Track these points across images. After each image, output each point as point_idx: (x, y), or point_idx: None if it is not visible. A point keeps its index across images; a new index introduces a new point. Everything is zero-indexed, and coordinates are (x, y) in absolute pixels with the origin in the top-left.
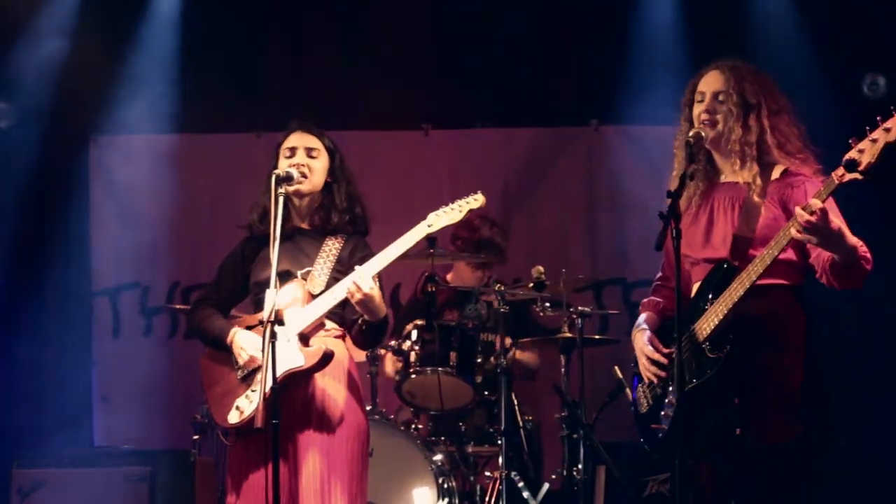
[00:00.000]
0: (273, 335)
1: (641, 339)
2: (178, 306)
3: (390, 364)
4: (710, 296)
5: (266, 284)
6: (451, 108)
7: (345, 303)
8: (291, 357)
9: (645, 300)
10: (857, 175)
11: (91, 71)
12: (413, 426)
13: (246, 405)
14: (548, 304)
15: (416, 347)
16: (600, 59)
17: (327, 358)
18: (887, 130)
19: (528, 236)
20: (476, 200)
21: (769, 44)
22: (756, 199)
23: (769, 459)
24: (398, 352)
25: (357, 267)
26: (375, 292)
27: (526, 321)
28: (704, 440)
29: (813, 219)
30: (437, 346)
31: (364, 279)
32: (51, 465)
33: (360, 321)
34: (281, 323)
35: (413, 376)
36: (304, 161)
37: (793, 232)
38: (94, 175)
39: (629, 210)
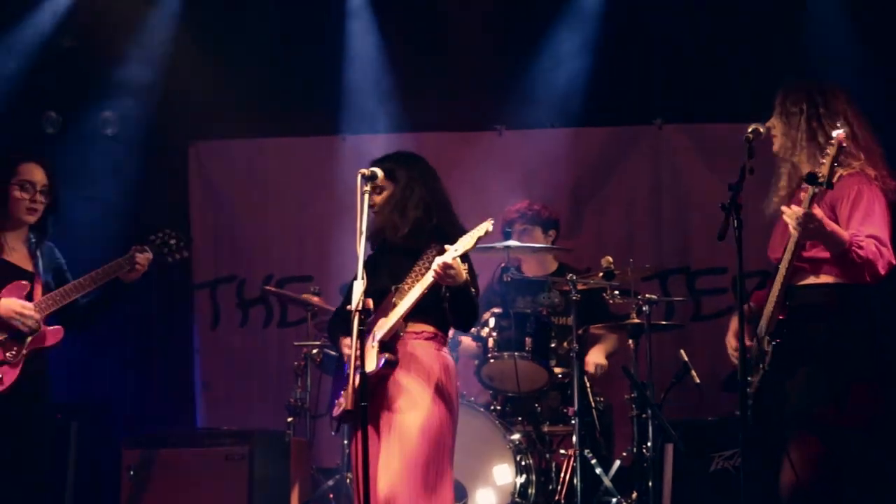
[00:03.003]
0: (361, 323)
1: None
2: (271, 288)
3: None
4: (770, 293)
5: (373, 295)
6: (524, 110)
7: (433, 298)
8: (369, 362)
9: (756, 291)
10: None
11: (189, 80)
12: (492, 408)
13: (343, 398)
14: (617, 292)
15: (494, 334)
16: (663, 59)
17: (388, 364)
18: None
19: (598, 229)
20: (482, 228)
21: (823, 37)
22: (807, 204)
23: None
24: (477, 338)
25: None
26: (458, 263)
27: (597, 308)
28: (780, 420)
29: (800, 220)
30: (513, 332)
31: (445, 257)
32: (158, 446)
33: (445, 292)
34: (368, 313)
35: (491, 361)
36: (372, 202)
37: (791, 231)
38: (194, 178)
39: (692, 203)
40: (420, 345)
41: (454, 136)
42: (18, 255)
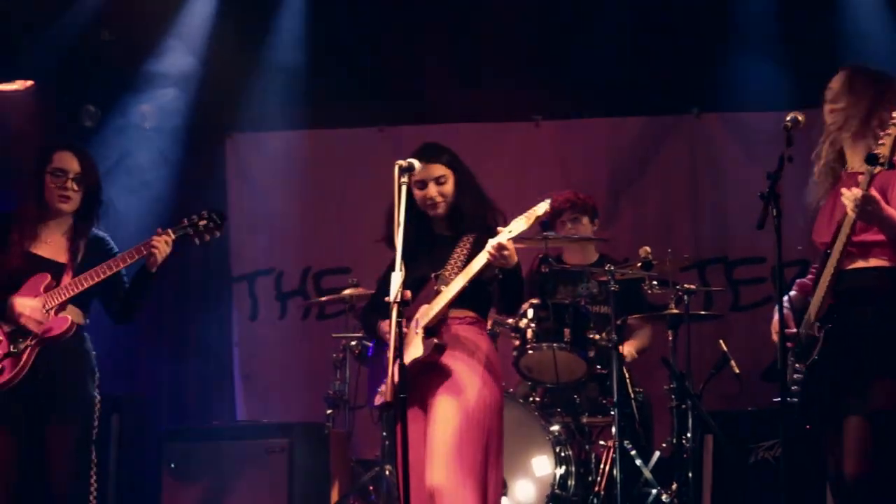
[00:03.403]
0: (399, 314)
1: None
2: (316, 300)
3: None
4: (818, 280)
5: (412, 284)
6: (560, 100)
7: (476, 283)
8: (415, 348)
9: (798, 280)
10: (880, 167)
11: (226, 72)
12: (531, 399)
13: (384, 387)
14: (655, 283)
15: (532, 325)
16: (700, 47)
17: (438, 349)
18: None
19: (635, 219)
20: (541, 207)
21: (861, 22)
22: (865, 186)
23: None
24: (515, 329)
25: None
26: (511, 244)
27: (635, 299)
28: (828, 408)
29: (858, 203)
30: (552, 323)
31: (500, 238)
32: (198, 439)
33: (497, 273)
34: (406, 303)
35: (530, 352)
36: (435, 193)
37: (849, 213)
38: (231, 169)
39: (730, 192)
40: (464, 328)
41: (491, 126)
42: (53, 246)
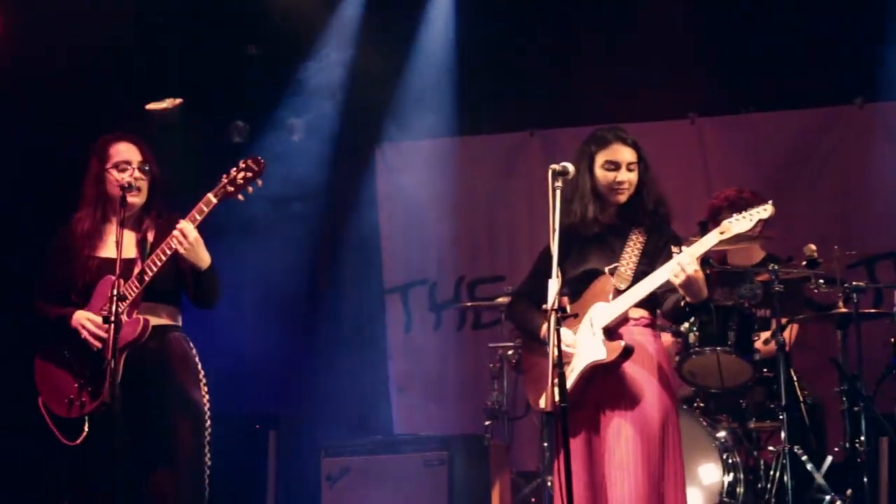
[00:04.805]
0: (557, 322)
1: None
2: (467, 304)
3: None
4: None
5: (577, 280)
6: (715, 96)
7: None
8: (595, 350)
9: None
10: None
11: (373, 83)
12: (695, 405)
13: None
14: (821, 281)
15: (695, 328)
16: (861, 37)
17: (627, 352)
18: None
19: (800, 216)
20: (766, 210)
21: None
22: None
23: None
24: (677, 333)
25: (684, 248)
26: (699, 275)
27: (800, 299)
28: None
29: None
30: (715, 326)
31: (686, 263)
32: (355, 453)
33: (682, 302)
34: (564, 311)
35: (693, 356)
36: (626, 177)
37: None
38: (381, 180)
39: None
40: (640, 332)
41: (645, 126)
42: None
